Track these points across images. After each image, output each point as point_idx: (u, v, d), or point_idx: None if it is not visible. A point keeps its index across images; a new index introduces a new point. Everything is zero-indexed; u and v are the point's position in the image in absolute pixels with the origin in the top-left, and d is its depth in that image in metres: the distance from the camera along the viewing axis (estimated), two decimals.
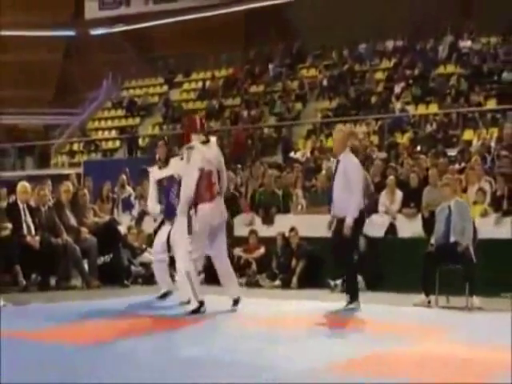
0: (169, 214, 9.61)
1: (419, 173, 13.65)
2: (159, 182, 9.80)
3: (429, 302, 9.62)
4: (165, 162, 9.74)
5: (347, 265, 9.57)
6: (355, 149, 15.73)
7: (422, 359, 5.83)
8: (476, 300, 9.39)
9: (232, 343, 6.68)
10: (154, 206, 9.99)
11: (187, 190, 8.48)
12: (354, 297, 9.16)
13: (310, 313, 8.98)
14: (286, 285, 12.27)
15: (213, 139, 9.02)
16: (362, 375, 5.15)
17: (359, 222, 9.23)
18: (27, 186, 12.03)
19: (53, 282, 12.02)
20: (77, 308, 9.47)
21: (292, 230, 12.70)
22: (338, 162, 9.38)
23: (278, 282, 12.46)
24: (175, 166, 9.45)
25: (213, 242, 8.83)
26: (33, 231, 11.60)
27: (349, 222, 8.90)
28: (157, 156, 10.08)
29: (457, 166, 14.40)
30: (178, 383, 4.91)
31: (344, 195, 9.07)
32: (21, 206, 11.68)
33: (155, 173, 9.94)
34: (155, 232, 10.25)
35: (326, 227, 10.81)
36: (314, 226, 12.43)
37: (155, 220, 10.46)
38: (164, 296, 10.01)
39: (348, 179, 9.07)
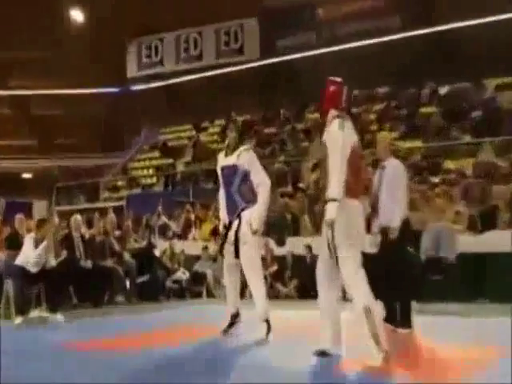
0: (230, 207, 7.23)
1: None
2: (223, 170, 7.31)
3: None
4: (233, 149, 7.26)
5: (400, 281, 7.42)
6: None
7: (413, 358, 5.74)
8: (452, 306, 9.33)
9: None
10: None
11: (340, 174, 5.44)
12: (407, 321, 7.40)
13: None
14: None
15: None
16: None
17: (407, 231, 7.53)
18: (79, 219, 12.10)
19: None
20: (121, 322, 9.50)
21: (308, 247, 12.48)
22: (382, 168, 7.71)
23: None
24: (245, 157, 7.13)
25: None
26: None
27: (395, 224, 7.27)
28: (226, 142, 7.61)
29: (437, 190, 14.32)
30: None
31: (390, 202, 7.39)
32: (74, 235, 11.72)
33: (221, 160, 7.38)
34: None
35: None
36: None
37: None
38: (232, 323, 7.34)
39: (393, 186, 7.42)
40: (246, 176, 7.12)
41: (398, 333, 7.18)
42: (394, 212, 7.29)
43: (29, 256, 9.37)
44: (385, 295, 7.17)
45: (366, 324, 5.26)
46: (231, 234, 7.08)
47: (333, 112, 5.77)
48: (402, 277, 7.39)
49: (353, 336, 5.52)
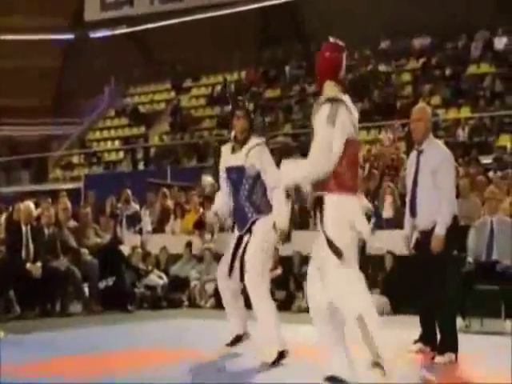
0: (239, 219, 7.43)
1: None
2: (228, 171, 7.40)
3: (466, 326, 9.60)
4: (242, 143, 7.31)
5: (444, 296, 7.32)
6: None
7: None
8: (509, 324, 9.38)
9: None
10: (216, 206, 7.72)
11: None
12: (451, 345, 7.23)
13: None
14: None
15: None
16: None
17: (454, 233, 7.38)
18: (32, 207, 12.07)
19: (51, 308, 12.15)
20: (76, 337, 9.53)
21: None
22: (419, 152, 7.63)
23: None
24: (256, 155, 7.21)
25: None
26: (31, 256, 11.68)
27: (440, 231, 7.14)
28: (232, 133, 7.61)
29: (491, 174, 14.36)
30: None
31: (434, 197, 7.31)
32: (23, 228, 11.74)
33: (226, 156, 7.43)
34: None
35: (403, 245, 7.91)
36: None
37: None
38: (236, 341, 7.61)
39: (437, 175, 7.33)
40: (257, 179, 7.19)
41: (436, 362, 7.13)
42: (437, 212, 7.21)
43: None
44: (421, 310, 7.55)
45: (362, 337, 5.37)
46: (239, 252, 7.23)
47: (328, 87, 5.89)
48: (446, 288, 7.30)
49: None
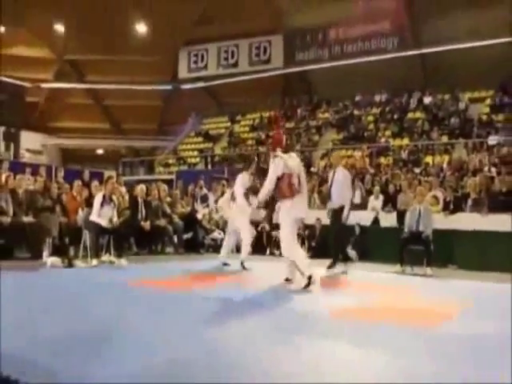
0: None
1: (395, 184, 13.56)
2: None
3: (402, 271, 9.58)
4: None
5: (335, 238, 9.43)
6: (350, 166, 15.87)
7: (395, 310, 5.82)
8: (429, 270, 9.34)
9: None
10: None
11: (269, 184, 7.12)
12: (336, 262, 9.12)
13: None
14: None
15: (293, 154, 7.53)
16: (356, 319, 5.15)
17: (341, 211, 9.13)
18: (144, 189, 12.20)
19: (155, 249, 12.27)
20: (169, 266, 9.65)
21: (318, 219, 12.63)
22: (334, 172, 9.36)
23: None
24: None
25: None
26: (144, 217, 11.78)
27: (346, 211, 9.11)
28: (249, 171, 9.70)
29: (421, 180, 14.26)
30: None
31: (339, 193, 9.10)
32: (139, 200, 11.86)
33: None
34: None
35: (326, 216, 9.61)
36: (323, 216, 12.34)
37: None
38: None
39: (341, 183, 9.11)
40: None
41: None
42: (341, 200, 9.03)
43: (96, 210, 9.48)
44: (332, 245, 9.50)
45: (296, 264, 7.07)
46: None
47: (276, 152, 7.20)
48: (339, 234, 9.36)
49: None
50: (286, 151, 7.29)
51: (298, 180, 7.18)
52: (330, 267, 8.99)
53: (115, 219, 9.79)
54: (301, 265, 6.98)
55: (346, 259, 9.51)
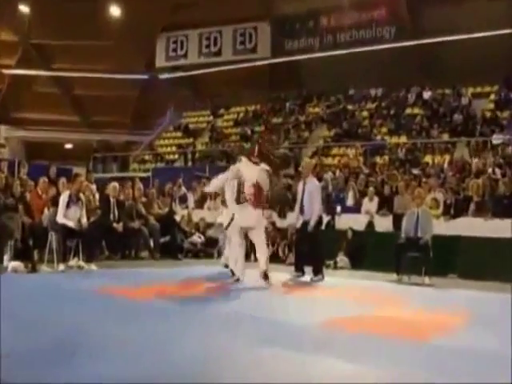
0: None
1: (391, 185, 13.62)
2: None
3: (399, 280, 9.62)
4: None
5: (316, 249, 9.58)
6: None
7: (390, 322, 5.84)
8: (427, 279, 9.38)
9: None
10: None
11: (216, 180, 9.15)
12: (319, 271, 9.41)
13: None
14: None
15: (262, 165, 8.45)
16: (348, 331, 5.16)
17: (319, 223, 9.60)
18: (117, 187, 12.13)
19: (128, 253, 12.20)
20: (144, 273, 9.61)
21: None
22: (304, 183, 9.65)
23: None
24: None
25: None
26: (116, 218, 11.70)
27: (312, 222, 9.31)
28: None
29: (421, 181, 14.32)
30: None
31: (309, 205, 9.40)
32: (111, 200, 11.78)
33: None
34: None
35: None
36: None
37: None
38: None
39: (312, 195, 9.40)
40: None
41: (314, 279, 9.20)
42: (311, 213, 9.32)
43: (61, 210, 9.43)
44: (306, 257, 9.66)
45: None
46: None
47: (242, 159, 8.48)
48: (316, 248, 9.58)
49: None
50: (255, 162, 8.39)
51: (256, 190, 8.15)
52: (314, 279, 9.26)
53: (84, 220, 9.73)
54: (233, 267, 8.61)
55: (302, 269, 9.70)
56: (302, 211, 9.52)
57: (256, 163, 8.42)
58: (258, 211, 8.33)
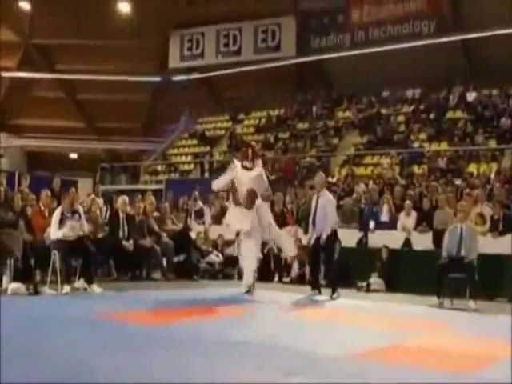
0: None
1: (431, 198, 13.54)
2: None
3: (440, 304, 9.53)
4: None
5: (330, 265, 10.45)
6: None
7: (431, 352, 5.78)
8: (472, 303, 9.29)
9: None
10: None
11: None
12: (335, 289, 10.04)
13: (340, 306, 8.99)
14: None
15: (256, 168, 9.78)
16: (384, 363, 5.11)
17: (335, 237, 10.53)
18: (127, 200, 12.24)
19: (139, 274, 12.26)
20: (156, 296, 9.63)
21: None
22: (318, 196, 10.32)
23: None
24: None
25: None
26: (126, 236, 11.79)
27: (325, 235, 9.97)
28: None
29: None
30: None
31: (323, 219, 10.04)
32: (121, 215, 11.88)
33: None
34: None
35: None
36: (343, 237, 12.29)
37: None
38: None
39: (325, 209, 10.04)
40: None
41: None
42: (324, 228, 9.96)
43: (54, 229, 9.56)
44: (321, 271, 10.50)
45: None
46: None
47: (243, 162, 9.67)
48: (331, 261, 10.47)
49: None
50: (249, 168, 9.54)
51: (250, 194, 9.35)
52: (333, 296, 9.92)
53: (85, 226, 9.90)
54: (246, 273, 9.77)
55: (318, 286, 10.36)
56: (314, 226, 10.17)
57: (249, 169, 9.63)
58: (253, 214, 9.54)
